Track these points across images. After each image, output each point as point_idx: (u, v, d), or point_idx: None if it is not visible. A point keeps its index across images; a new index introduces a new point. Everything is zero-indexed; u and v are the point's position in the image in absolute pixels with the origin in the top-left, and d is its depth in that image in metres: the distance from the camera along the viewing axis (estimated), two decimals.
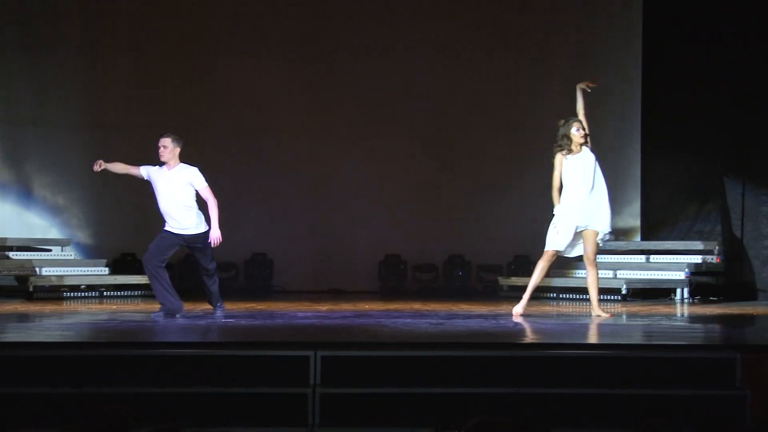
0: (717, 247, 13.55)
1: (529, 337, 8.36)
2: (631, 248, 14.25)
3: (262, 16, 15.39)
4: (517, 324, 9.23)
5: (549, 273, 14.14)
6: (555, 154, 10.03)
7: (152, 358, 6.99)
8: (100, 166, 9.84)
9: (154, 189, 9.98)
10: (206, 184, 9.99)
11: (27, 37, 14.80)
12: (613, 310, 11.21)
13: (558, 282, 13.50)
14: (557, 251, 10.03)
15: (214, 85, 15.25)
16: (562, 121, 10.06)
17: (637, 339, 8.42)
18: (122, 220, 14.84)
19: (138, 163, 10.12)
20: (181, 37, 15.19)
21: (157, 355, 7.04)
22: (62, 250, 14.21)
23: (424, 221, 15.40)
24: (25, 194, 14.80)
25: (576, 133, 9.94)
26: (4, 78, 14.56)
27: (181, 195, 9.91)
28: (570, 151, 9.95)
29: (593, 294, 10.10)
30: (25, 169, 14.80)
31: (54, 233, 14.79)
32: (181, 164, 10.01)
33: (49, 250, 14.16)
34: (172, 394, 6.72)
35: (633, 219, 14.81)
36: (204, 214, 10.01)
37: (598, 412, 6.71)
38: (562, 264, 13.81)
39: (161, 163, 9.97)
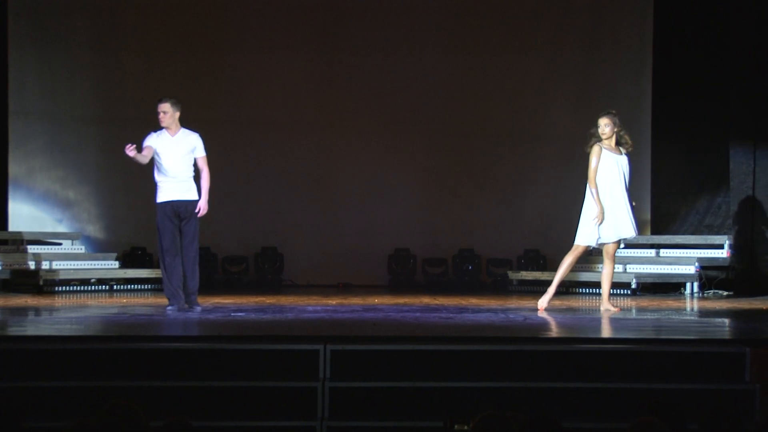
0: (727, 242, 13.54)
1: (539, 332, 8.37)
2: (640, 242, 14.25)
3: (274, 11, 15.40)
4: (526, 318, 9.23)
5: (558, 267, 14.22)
6: (590, 147, 9.87)
7: (162, 352, 7.00)
8: (132, 151, 9.61)
9: (157, 155, 9.88)
10: (205, 154, 9.98)
11: (38, 31, 14.83)
12: (622, 304, 11.20)
13: (568, 276, 13.52)
14: (588, 246, 9.96)
15: (224, 79, 15.27)
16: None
17: (646, 333, 8.42)
18: (132, 214, 14.87)
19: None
20: (191, 31, 15.20)
21: (166, 349, 7.06)
22: (72, 244, 14.26)
23: (433, 215, 15.41)
24: (36, 188, 14.83)
25: (605, 128, 9.83)
26: (16, 72, 14.58)
27: (185, 160, 9.90)
28: (605, 144, 9.85)
29: (605, 288, 10.08)
30: (35, 163, 14.83)
31: (64, 227, 14.83)
32: (183, 129, 9.97)
33: (60, 244, 14.20)
34: (181, 387, 6.74)
35: (643, 213, 14.79)
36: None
37: (608, 406, 6.71)
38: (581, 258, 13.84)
39: (158, 129, 9.92)
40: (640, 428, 4.73)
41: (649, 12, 14.81)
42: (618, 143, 9.92)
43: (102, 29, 15.08)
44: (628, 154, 9.97)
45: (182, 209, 9.86)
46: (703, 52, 13.98)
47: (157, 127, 10.03)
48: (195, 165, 10.00)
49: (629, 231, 9.91)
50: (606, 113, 9.96)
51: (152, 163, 10.03)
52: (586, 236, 9.88)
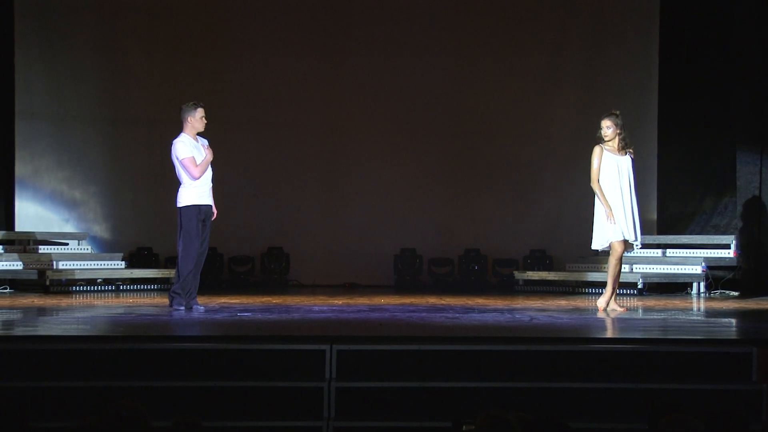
0: (734, 242, 13.52)
1: (545, 332, 8.35)
2: (647, 242, 14.22)
3: (277, 11, 15.40)
4: (532, 318, 9.23)
5: (564, 267, 14.23)
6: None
7: (168, 352, 7.01)
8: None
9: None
10: None
11: (43, 32, 14.84)
12: (629, 304, 11.19)
13: (575, 276, 13.55)
14: (624, 240, 9.90)
15: (228, 80, 15.27)
16: None
17: (652, 333, 8.42)
18: (139, 214, 14.91)
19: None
20: (195, 32, 15.21)
21: (173, 349, 7.06)
22: (79, 244, 14.27)
23: (440, 215, 15.40)
24: (42, 188, 14.85)
25: (606, 130, 9.88)
26: (22, 72, 14.60)
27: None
28: (608, 145, 9.89)
29: (615, 285, 10.07)
30: (42, 163, 14.85)
31: (70, 227, 14.84)
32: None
33: (66, 244, 14.22)
34: (187, 387, 6.75)
35: (649, 213, 14.77)
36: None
37: (614, 406, 6.71)
38: (590, 258, 13.83)
39: (177, 134, 9.95)
40: (673, 425, 4.70)
41: (654, 14, 14.78)
42: (623, 145, 9.91)
43: (107, 30, 15.09)
44: (631, 156, 9.96)
45: (207, 213, 9.98)
46: (708, 53, 13.96)
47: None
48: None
49: (630, 235, 9.90)
50: (608, 115, 9.97)
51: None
52: (611, 233, 9.86)
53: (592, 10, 15.34)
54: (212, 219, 10.02)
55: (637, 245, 10.10)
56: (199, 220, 9.87)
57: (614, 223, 9.77)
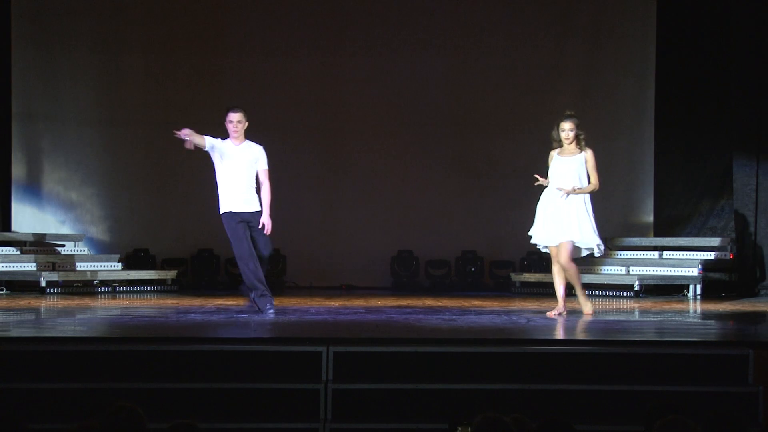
0: (730, 244, 13.53)
1: (542, 334, 8.36)
2: (643, 244, 14.24)
3: (277, 11, 15.40)
4: (529, 320, 9.23)
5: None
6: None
7: (165, 354, 7.00)
8: (189, 136, 9.42)
9: (219, 161, 9.69)
10: (268, 167, 9.86)
11: (41, 33, 14.84)
12: (625, 306, 11.19)
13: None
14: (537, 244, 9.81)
15: (227, 81, 15.26)
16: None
17: (649, 335, 8.43)
18: (135, 215, 14.90)
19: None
20: (194, 33, 15.20)
21: (170, 351, 7.06)
22: (75, 246, 14.26)
23: (436, 217, 15.39)
24: (39, 190, 14.84)
25: (569, 133, 9.65)
26: (19, 74, 14.59)
27: (248, 172, 9.73)
28: (561, 149, 9.74)
29: (576, 290, 9.79)
30: (38, 164, 14.84)
31: (67, 229, 14.83)
32: (247, 141, 9.87)
33: (63, 246, 14.20)
34: (184, 389, 6.75)
35: (646, 215, 14.79)
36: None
37: (611, 408, 6.71)
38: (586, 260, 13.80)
39: (219, 136, 9.75)
40: (670, 427, 4.70)
41: (651, 14, 14.79)
42: (583, 144, 9.72)
43: (105, 32, 15.08)
44: (586, 153, 9.67)
45: (248, 219, 9.66)
46: (706, 54, 14.00)
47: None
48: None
49: (547, 240, 9.71)
50: (568, 117, 9.72)
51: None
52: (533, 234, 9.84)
53: (591, 10, 15.35)
54: (260, 227, 9.59)
55: (591, 251, 9.75)
56: (238, 223, 9.55)
57: (535, 227, 9.77)
